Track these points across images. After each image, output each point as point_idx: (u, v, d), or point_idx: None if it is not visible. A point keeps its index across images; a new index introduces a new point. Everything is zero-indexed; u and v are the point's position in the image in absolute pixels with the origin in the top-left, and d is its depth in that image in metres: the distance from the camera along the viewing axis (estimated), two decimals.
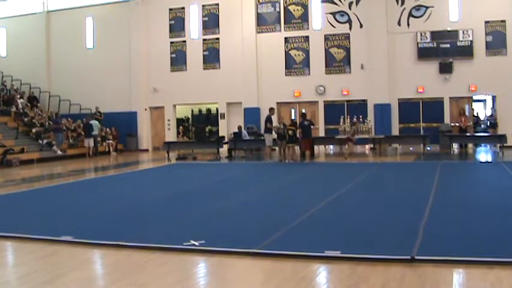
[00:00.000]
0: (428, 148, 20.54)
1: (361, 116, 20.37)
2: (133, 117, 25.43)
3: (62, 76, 26.65)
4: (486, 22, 21.20)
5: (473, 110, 22.65)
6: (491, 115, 22.90)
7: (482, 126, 23.75)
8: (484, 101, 26.29)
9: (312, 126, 18.51)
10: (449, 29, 21.54)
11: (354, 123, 19.65)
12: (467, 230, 6.50)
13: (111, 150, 23.64)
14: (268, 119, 17.82)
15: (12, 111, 23.78)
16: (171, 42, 25.23)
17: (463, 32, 21.34)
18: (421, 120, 22.20)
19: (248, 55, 23.78)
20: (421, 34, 21.80)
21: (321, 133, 22.80)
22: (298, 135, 17.62)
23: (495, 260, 5.04)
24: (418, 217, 7.11)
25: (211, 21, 24.66)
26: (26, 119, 23.27)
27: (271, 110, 18.24)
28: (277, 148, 18.46)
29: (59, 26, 26.90)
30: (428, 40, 21.77)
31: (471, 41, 21.27)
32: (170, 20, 25.27)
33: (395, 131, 22.06)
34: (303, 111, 21.05)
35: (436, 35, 21.67)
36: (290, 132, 17.00)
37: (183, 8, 25.06)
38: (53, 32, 27.09)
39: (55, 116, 22.31)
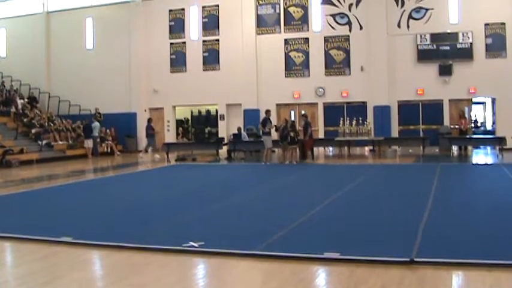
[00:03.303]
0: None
1: (360, 118, 20.39)
2: (132, 118, 25.43)
3: (61, 77, 26.63)
4: (486, 24, 21.20)
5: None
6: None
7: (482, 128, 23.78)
8: (483, 103, 26.33)
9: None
10: (449, 31, 21.55)
11: None
12: (467, 232, 6.50)
13: (114, 150, 23.62)
14: (266, 121, 17.82)
15: (12, 111, 23.79)
16: (171, 44, 25.23)
17: (463, 34, 21.35)
18: (421, 122, 22.19)
19: (248, 56, 23.78)
20: (420, 36, 21.81)
21: (321, 135, 22.79)
22: (298, 137, 17.60)
23: (494, 263, 5.05)
24: (418, 219, 7.12)
25: (211, 22, 24.66)
26: (25, 120, 23.27)
27: (268, 112, 18.26)
28: (277, 150, 18.48)
29: (58, 27, 26.89)
30: (428, 42, 21.77)
31: (471, 44, 21.28)
32: (170, 21, 25.28)
33: (394, 133, 22.05)
34: (303, 112, 21.08)
35: (435, 37, 21.68)
36: (292, 134, 17.02)
37: (183, 9, 25.07)
38: (52, 33, 27.08)
39: (148, 121, 22.28)
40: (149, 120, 22.34)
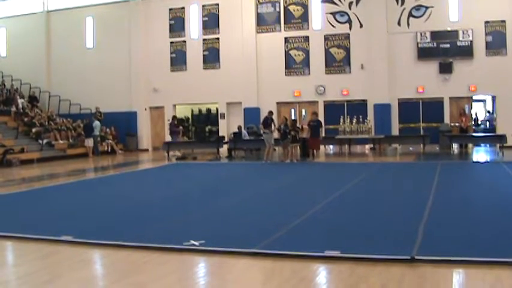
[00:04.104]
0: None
1: (361, 116, 20.38)
2: (133, 117, 25.43)
3: (62, 76, 26.63)
4: (486, 22, 21.18)
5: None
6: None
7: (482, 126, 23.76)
8: (483, 101, 26.31)
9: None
10: (449, 29, 21.53)
11: None
12: (467, 230, 6.50)
13: (115, 149, 23.63)
14: (266, 121, 17.81)
15: (12, 111, 23.79)
16: (171, 42, 25.22)
17: (463, 32, 21.33)
18: (421, 120, 22.18)
19: (248, 55, 23.77)
20: (421, 34, 21.78)
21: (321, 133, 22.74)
22: (299, 135, 17.60)
23: (495, 260, 5.05)
24: (418, 217, 7.12)
25: (211, 21, 24.65)
26: (26, 119, 23.27)
27: (271, 113, 18.28)
28: (277, 148, 18.45)
29: (59, 26, 26.88)
30: (428, 40, 21.75)
31: (471, 41, 21.26)
32: (170, 20, 25.26)
33: (395, 131, 22.05)
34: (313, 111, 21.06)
35: (436, 35, 21.65)
36: (293, 132, 17.03)
37: (183, 8, 25.05)
38: (53, 32, 27.07)
39: (172, 119, 22.08)
40: (173, 118, 22.18)
